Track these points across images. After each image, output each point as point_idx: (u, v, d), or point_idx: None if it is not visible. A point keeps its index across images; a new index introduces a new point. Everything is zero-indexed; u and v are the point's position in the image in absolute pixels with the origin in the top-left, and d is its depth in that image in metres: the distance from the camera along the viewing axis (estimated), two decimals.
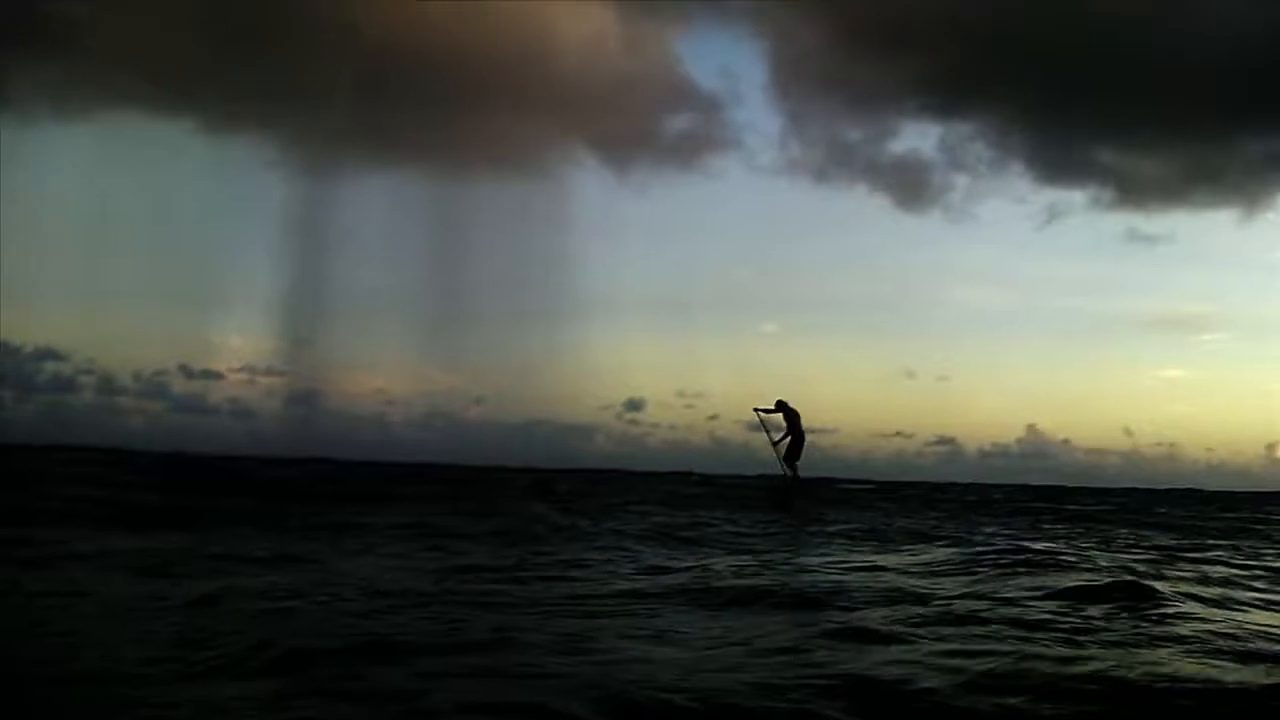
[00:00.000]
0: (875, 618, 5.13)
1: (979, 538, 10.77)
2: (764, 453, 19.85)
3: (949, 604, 5.64)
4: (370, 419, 35.42)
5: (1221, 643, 4.51)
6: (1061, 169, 51.11)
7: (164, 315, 41.29)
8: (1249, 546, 10.60)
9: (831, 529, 11.60)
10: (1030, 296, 51.66)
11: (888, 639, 4.57)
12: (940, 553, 8.75)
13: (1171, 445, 39.50)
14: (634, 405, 36.14)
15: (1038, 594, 5.88)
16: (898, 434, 40.08)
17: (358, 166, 42.30)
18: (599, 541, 9.56)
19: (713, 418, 34.10)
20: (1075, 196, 58.29)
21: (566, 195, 46.57)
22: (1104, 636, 4.65)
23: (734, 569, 7.42)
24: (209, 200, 38.38)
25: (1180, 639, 4.59)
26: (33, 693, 3.74)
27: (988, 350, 49.26)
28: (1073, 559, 7.74)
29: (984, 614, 5.25)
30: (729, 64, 67.09)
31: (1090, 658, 4.17)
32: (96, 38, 34.29)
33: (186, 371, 36.81)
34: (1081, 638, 4.60)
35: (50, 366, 35.47)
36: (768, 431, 19.66)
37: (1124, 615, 5.17)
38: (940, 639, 4.62)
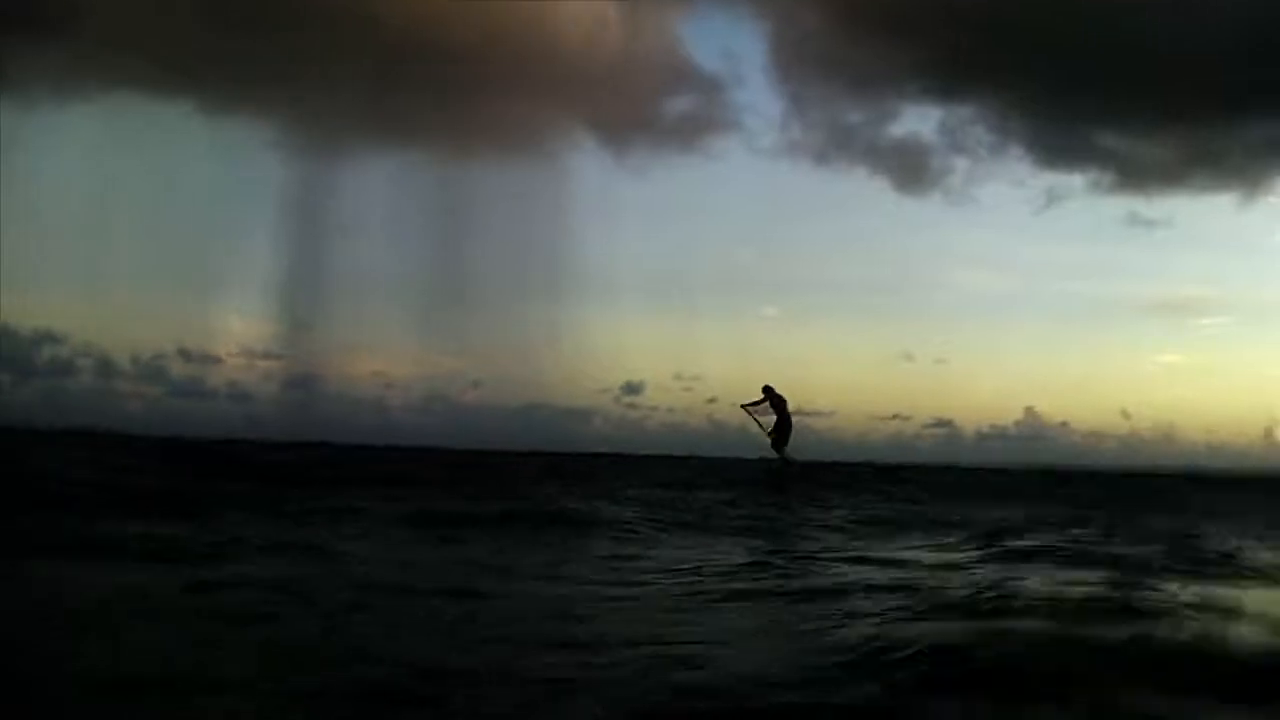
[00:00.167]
0: None
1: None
2: (763, 438, 19.86)
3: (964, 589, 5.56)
4: (369, 402, 35.31)
5: None
6: (1061, 153, 50.89)
7: (163, 298, 41.13)
8: None
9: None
10: (1029, 280, 51.56)
11: None
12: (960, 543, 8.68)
13: (1170, 428, 39.46)
14: (632, 388, 36.07)
15: None
16: (895, 416, 40.03)
17: (358, 149, 42.03)
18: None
19: (711, 400, 33.95)
20: (1075, 180, 58.11)
21: (566, 177, 46.33)
22: None
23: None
24: (209, 182, 38.18)
25: None
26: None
27: (986, 333, 49.17)
28: None
29: None
30: (730, 46, 66.71)
31: None
32: (96, 19, 33.97)
33: (185, 355, 36.68)
34: None
35: (48, 349, 35.30)
36: (759, 423, 19.65)
37: None
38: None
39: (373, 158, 45.02)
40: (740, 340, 41.86)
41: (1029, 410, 41.30)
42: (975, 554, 7.90)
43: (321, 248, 35.37)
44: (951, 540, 9.07)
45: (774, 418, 19.66)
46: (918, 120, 65.98)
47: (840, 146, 52.43)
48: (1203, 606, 4.96)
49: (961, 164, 56.33)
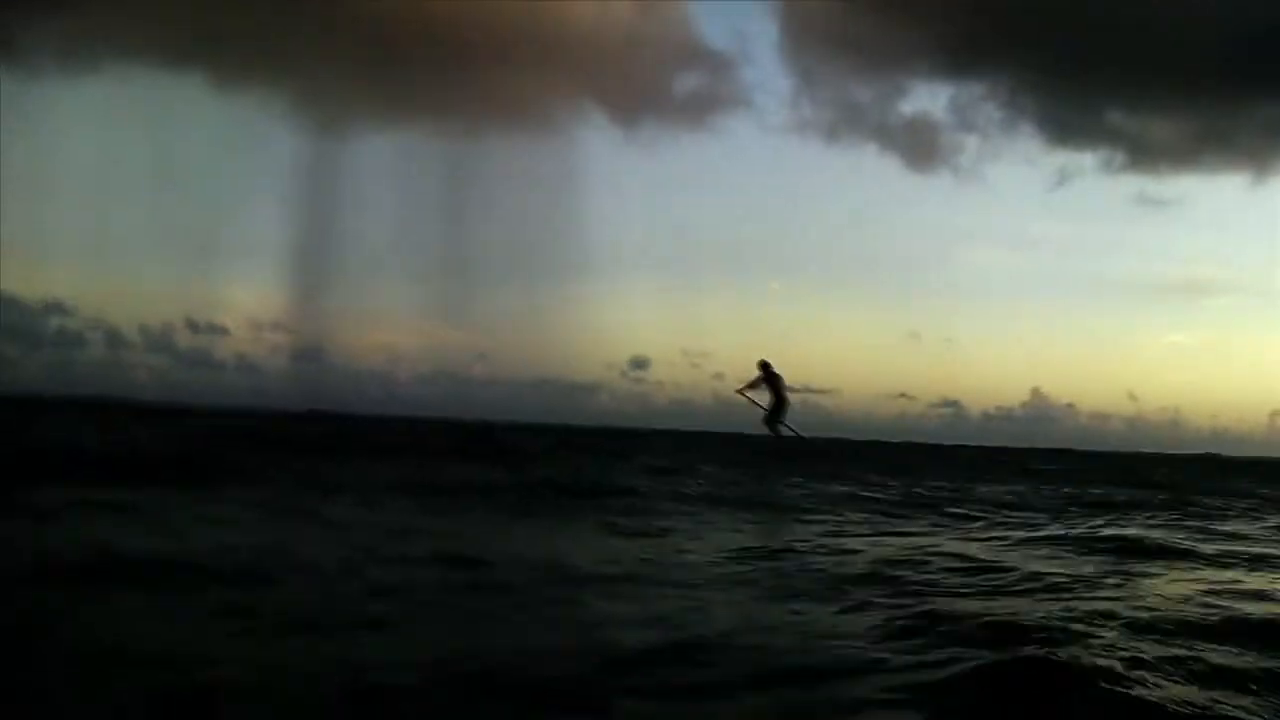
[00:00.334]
0: None
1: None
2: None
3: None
4: (376, 374, 35.45)
5: None
6: (1072, 131, 50.69)
7: (171, 270, 41.44)
8: None
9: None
10: (1038, 258, 51.45)
11: None
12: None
13: (1175, 411, 39.38)
14: (639, 364, 36.07)
15: None
16: (902, 395, 40.13)
17: (368, 122, 42.07)
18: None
19: (717, 376, 34.04)
20: (1086, 159, 57.86)
21: (576, 153, 46.30)
22: None
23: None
24: (219, 154, 38.30)
25: None
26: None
27: (994, 312, 49.15)
28: None
29: None
30: (740, 23, 66.26)
31: None
32: None
33: (193, 326, 36.89)
34: None
35: (57, 320, 35.52)
36: (755, 403, 19.51)
37: None
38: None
39: (382, 132, 45.03)
40: (747, 317, 41.88)
41: (1035, 391, 41.36)
42: None
43: (330, 221, 35.43)
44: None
45: (770, 395, 19.54)
46: (928, 98, 65.96)
47: (850, 124, 52.32)
48: None
49: (972, 142, 56.33)
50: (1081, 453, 24.88)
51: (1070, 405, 38.36)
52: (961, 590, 5.36)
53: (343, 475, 10.48)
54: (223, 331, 37.41)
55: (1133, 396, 42.77)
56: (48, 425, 14.64)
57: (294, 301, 36.03)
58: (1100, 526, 8.74)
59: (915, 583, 5.55)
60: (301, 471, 10.64)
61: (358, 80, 35.20)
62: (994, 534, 8.32)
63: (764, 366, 19.48)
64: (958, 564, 6.29)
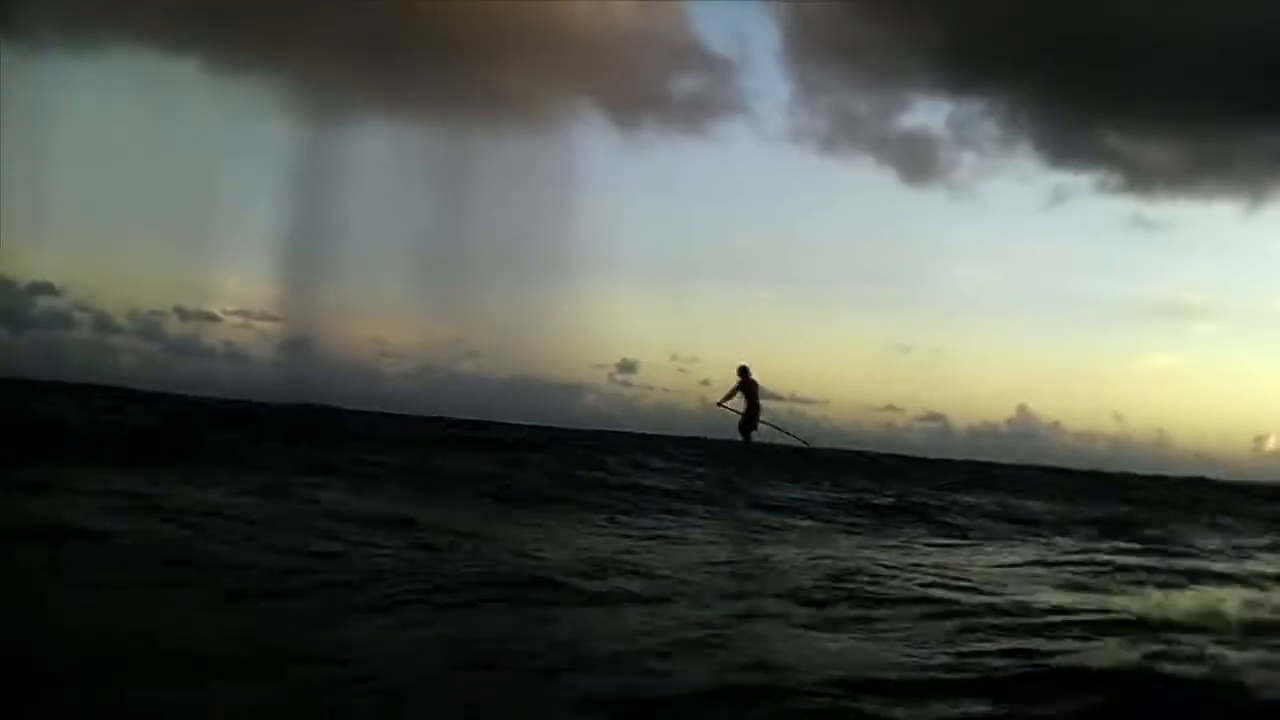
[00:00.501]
0: None
1: None
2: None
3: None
4: (364, 368, 35.40)
5: None
6: (1069, 151, 50.61)
7: (162, 255, 41.12)
8: None
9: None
10: (1030, 277, 51.51)
11: None
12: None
13: (1160, 433, 39.58)
14: (627, 366, 36.08)
15: None
16: (888, 407, 40.11)
17: (364, 113, 41.94)
18: None
19: (704, 383, 33.96)
20: (1082, 180, 57.94)
21: (572, 152, 46.18)
22: None
23: None
24: (213, 140, 38.08)
25: None
26: None
27: (983, 328, 49.16)
28: None
29: None
30: (741, 28, 66.35)
31: None
32: None
33: (182, 313, 36.71)
34: None
35: (45, 301, 35.32)
36: (738, 413, 19.64)
37: None
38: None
39: (379, 123, 44.90)
40: (737, 323, 41.90)
41: (1022, 408, 41.41)
42: None
43: (322, 211, 35.35)
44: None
45: (745, 402, 19.68)
46: (927, 112, 65.67)
47: (848, 135, 52.29)
48: None
49: (968, 158, 56.23)
50: (1079, 471, 24.79)
51: (1056, 423, 38.46)
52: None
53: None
54: (212, 319, 37.21)
55: (1118, 417, 42.85)
56: (36, 406, 14.68)
57: (284, 291, 35.88)
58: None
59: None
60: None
61: (355, 71, 35.16)
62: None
63: (743, 372, 19.61)
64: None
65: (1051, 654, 4.34)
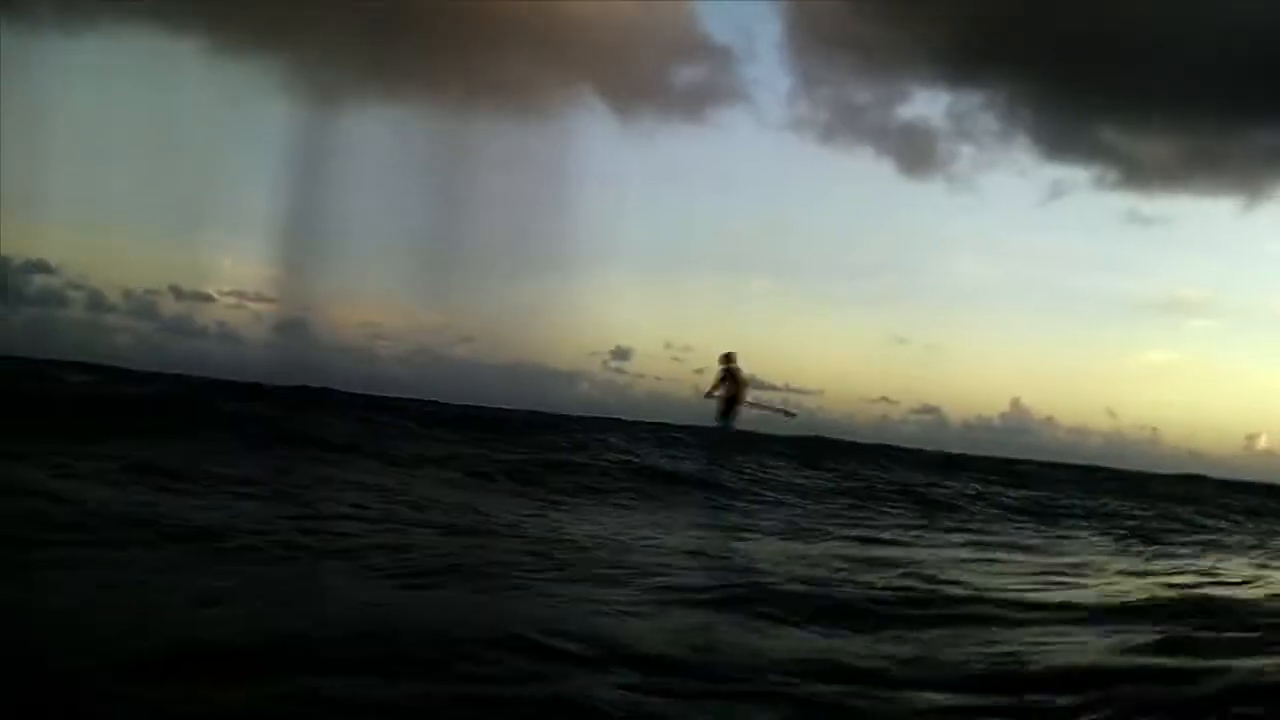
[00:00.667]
0: None
1: None
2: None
3: None
4: (357, 351, 35.41)
5: None
6: (1068, 146, 50.69)
7: (157, 235, 41.06)
8: None
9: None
10: (1026, 271, 51.51)
11: None
12: None
13: (1154, 429, 39.64)
14: (621, 354, 36.09)
15: None
16: (883, 399, 40.13)
17: (364, 97, 41.83)
18: None
19: (699, 371, 34.00)
20: (1079, 174, 57.97)
21: (571, 140, 46.14)
22: None
23: None
24: (212, 121, 38.00)
25: None
26: None
27: (979, 322, 49.22)
28: None
29: None
30: (743, 18, 66.14)
31: None
32: None
33: (176, 292, 36.68)
34: None
35: (40, 279, 35.28)
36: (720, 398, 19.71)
37: None
38: None
39: (378, 108, 44.81)
40: (733, 312, 41.92)
41: (1015, 402, 41.50)
42: None
43: (319, 194, 35.30)
44: None
45: (725, 387, 19.72)
46: (927, 104, 65.52)
47: (848, 125, 52.26)
48: None
49: (967, 151, 56.16)
50: (1084, 466, 24.77)
51: (1050, 418, 38.55)
52: None
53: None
54: (207, 299, 37.22)
55: (1111, 413, 42.95)
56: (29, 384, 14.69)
57: (280, 273, 35.87)
58: None
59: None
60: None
61: (355, 54, 35.08)
62: None
63: (727, 359, 19.63)
64: None
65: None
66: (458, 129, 40.84)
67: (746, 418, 19.56)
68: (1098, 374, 46.06)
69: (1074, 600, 5.82)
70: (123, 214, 39.33)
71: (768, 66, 58.86)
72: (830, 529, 9.05)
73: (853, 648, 4.30)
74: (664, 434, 18.67)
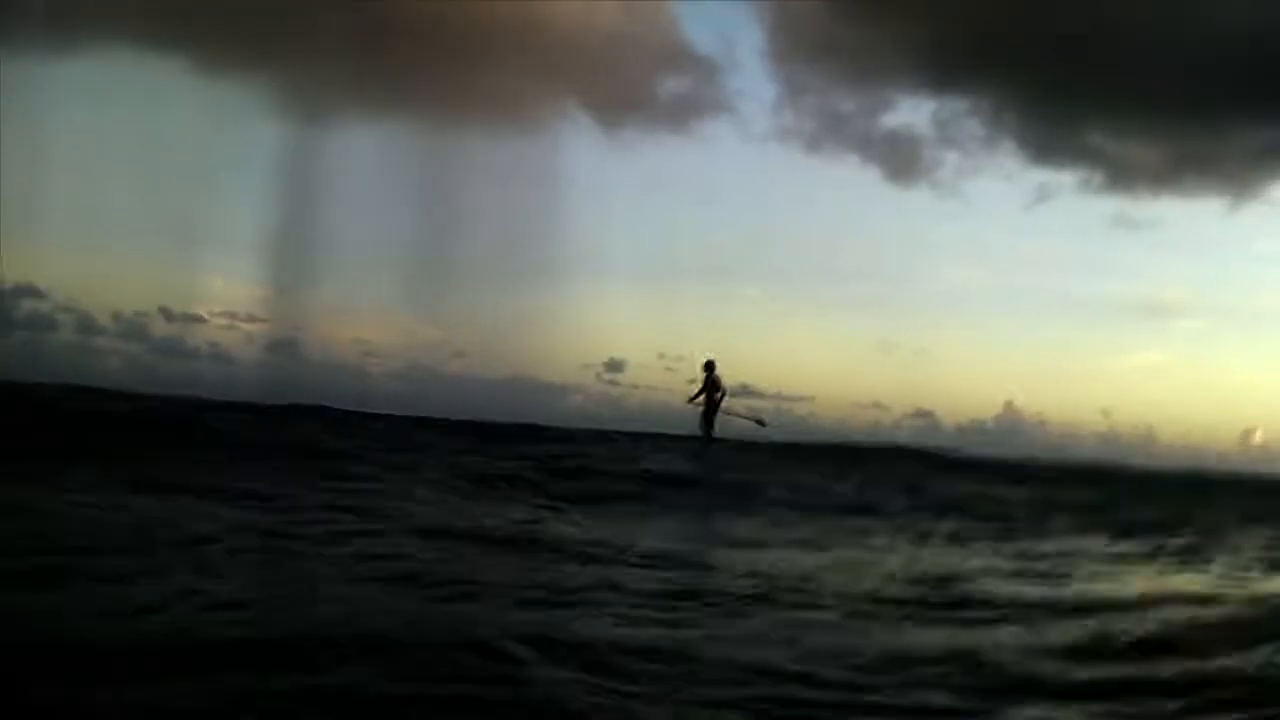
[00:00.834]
0: None
1: None
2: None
3: None
4: (350, 368, 35.35)
5: None
6: (1053, 150, 50.75)
7: (146, 256, 40.96)
8: None
9: None
10: (1014, 275, 51.62)
11: None
12: None
13: (1148, 428, 39.76)
14: (615, 366, 36.04)
15: None
16: (875, 404, 40.12)
17: (350, 115, 41.89)
18: None
19: (692, 381, 34.09)
20: (1065, 178, 58.05)
21: (557, 153, 46.20)
22: None
23: None
24: (198, 141, 37.99)
25: None
26: None
27: (969, 326, 49.26)
28: None
29: None
30: (726, 29, 66.43)
31: None
32: None
33: (166, 314, 36.54)
34: None
35: (29, 304, 35.12)
36: (700, 405, 19.89)
37: None
38: None
39: (364, 125, 44.88)
40: (724, 322, 41.93)
41: (1008, 404, 41.55)
42: None
43: (309, 212, 35.27)
44: None
45: (705, 393, 19.90)
46: (911, 111, 65.68)
47: (833, 133, 52.32)
48: None
49: (952, 157, 56.25)
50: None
51: (1043, 419, 38.60)
52: None
53: None
54: (198, 320, 37.12)
55: (1105, 413, 43.01)
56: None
57: (270, 292, 35.80)
58: None
59: None
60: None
61: (342, 71, 35.13)
62: None
63: (709, 367, 19.84)
64: None
65: None
66: (445, 144, 40.95)
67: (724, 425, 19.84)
68: (1089, 375, 46.12)
69: None
70: (112, 236, 39.24)
71: (751, 76, 58.96)
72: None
73: None
74: (682, 445, 18.69)
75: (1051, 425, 39.47)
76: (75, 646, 3.66)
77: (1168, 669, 4.20)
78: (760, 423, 20.24)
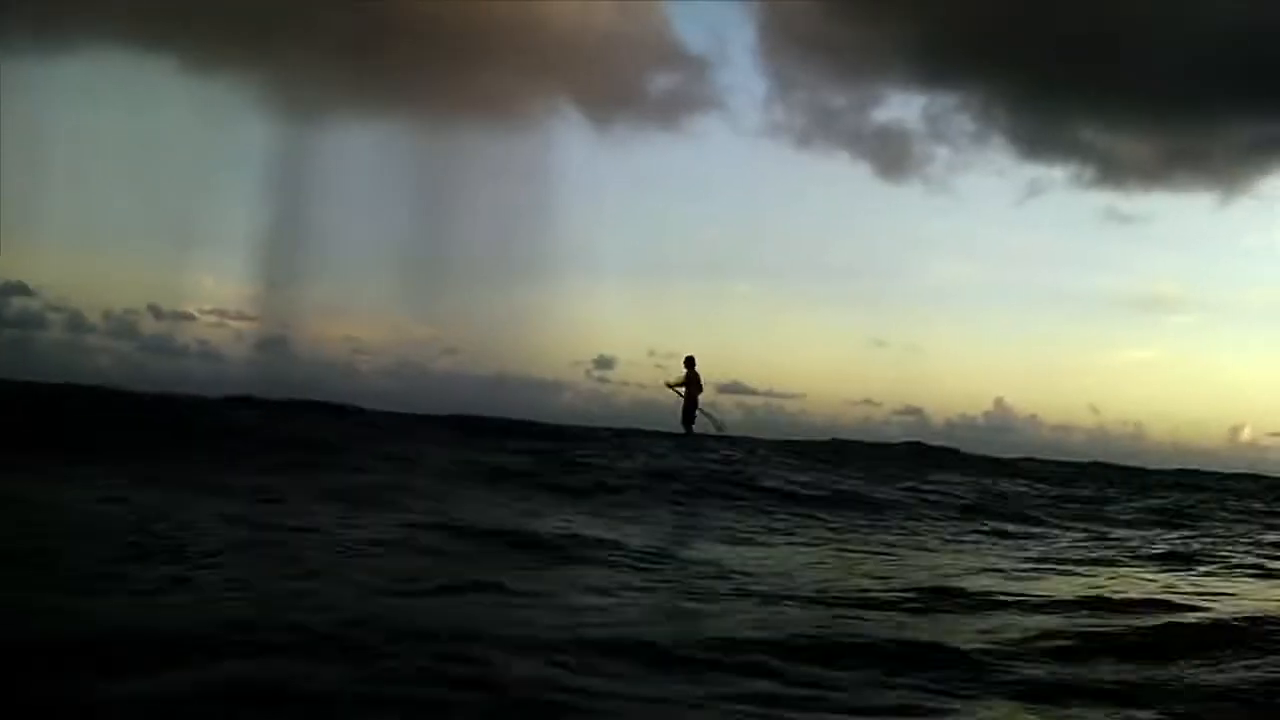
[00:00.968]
0: None
1: None
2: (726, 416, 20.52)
3: None
4: (340, 365, 35.31)
5: None
6: (1043, 145, 51.03)
7: (136, 255, 40.88)
8: None
9: None
10: (1005, 271, 51.79)
11: None
12: None
13: (1137, 425, 39.91)
14: (604, 363, 36.09)
15: None
16: (865, 401, 40.23)
17: (341, 113, 41.84)
18: None
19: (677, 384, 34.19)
20: (1056, 173, 58.31)
21: (548, 150, 46.21)
22: None
23: None
24: (189, 140, 37.91)
25: None
26: None
27: (959, 322, 49.40)
28: None
29: None
30: (717, 25, 66.47)
31: None
32: None
33: (156, 312, 36.48)
34: None
35: (19, 301, 35.03)
36: (679, 395, 20.04)
37: None
38: None
39: (354, 123, 44.83)
40: (714, 319, 42.00)
41: (999, 401, 41.70)
42: None
43: (298, 211, 35.25)
44: None
45: (686, 389, 20.04)
46: (901, 107, 65.87)
47: (823, 129, 52.42)
48: None
49: (943, 152, 56.40)
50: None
51: (1034, 416, 38.75)
52: None
53: None
54: (187, 318, 37.10)
55: (1095, 409, 43.20)
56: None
57: (260, 290, 35.79)
58: None
59: None
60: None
61: (332, 69, 35.13)
62: None
63: (689, 363, 19.97)
64: None
65: None
66: (436, 141, 40.94)
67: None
68: (1079, 371, 46.33)
69: None
70: (104, 235, 39.16)
71: (742, 72, 59.08)
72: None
73: None
74: (669, 441, 18.75)
75: (1042, 422, 39.67)
76: (78, 641, 3.69)
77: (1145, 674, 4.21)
78: (720, 428, 20.36)
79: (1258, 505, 15.64)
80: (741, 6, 58.47)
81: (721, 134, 50.40)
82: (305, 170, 34.97)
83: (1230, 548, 9.58)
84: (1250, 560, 8.62)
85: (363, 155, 41.20)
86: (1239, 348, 46.55)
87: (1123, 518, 12.05)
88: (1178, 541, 9.78)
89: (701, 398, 20.28)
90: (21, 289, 33.88)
